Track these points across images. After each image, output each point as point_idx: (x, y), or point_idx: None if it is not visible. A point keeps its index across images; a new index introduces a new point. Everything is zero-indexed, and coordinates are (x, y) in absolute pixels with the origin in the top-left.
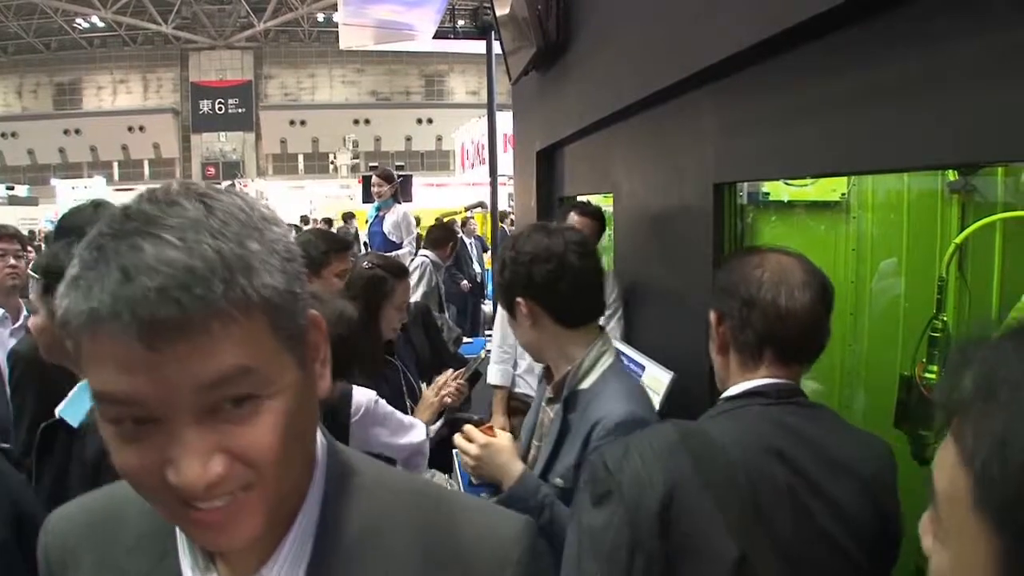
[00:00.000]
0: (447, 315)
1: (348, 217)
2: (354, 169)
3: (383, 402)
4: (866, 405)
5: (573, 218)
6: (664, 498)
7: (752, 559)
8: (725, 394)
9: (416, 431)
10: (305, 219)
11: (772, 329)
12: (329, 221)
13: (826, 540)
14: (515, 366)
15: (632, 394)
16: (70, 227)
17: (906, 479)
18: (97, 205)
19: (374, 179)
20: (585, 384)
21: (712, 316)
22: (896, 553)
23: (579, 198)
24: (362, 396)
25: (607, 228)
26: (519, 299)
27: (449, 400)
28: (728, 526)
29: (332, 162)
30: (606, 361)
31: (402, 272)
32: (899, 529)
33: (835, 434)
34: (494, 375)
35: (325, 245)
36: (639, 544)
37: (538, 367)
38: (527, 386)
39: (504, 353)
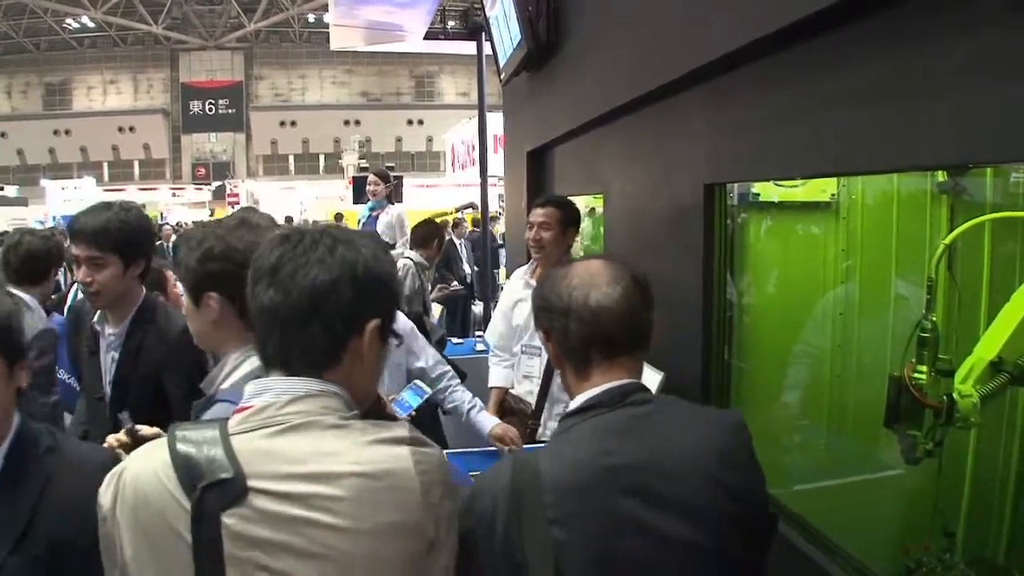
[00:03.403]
0: (430, 317)
1: (338, 218)
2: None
3: None
4: (856, 406)
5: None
6: (502, 538)
7: None
8: (567, 410)
9: None
10: (289, 219)
11: (591, 329)
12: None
13: (677, 546)
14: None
15: None
16: None
17: (900, 478)
18: None
19: (370, 178)
20: None
21: (540, 335)
22: (771, 521)
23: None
24: None
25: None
26: None
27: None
28: (561, 565)
29: (340, 161)
30: None
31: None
32: (763, 500)
33: (675, 426)
34: (496, 377)
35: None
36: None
37: (536, 369)
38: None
39: (506, 356)
